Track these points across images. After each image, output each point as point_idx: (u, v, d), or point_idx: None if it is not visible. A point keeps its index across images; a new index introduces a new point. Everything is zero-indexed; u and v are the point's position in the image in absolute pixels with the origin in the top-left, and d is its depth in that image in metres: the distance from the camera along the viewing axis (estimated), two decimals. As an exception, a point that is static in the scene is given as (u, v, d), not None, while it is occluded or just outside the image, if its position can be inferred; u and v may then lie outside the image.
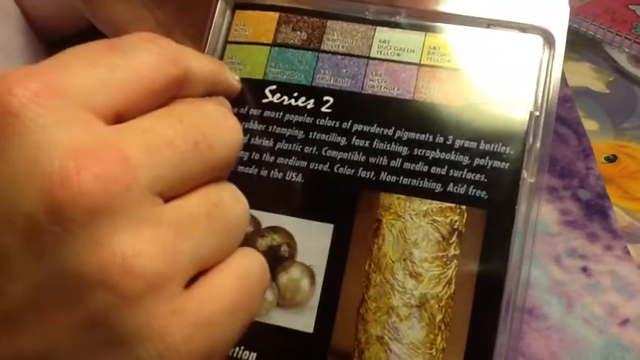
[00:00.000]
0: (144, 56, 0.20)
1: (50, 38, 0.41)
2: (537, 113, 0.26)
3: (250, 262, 0.21)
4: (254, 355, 0.26)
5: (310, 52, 0.28)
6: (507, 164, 0.25)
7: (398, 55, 0.28)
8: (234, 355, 0.26)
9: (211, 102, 0.22)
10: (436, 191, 0.26)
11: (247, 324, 0.21)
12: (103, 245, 0.17)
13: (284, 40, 0.29)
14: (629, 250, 0.35)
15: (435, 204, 0.26)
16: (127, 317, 0.18)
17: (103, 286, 0.17)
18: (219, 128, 0.21)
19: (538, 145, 0.26)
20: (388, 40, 0.28)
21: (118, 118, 0.19)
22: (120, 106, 0.19)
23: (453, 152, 0.26)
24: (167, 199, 0.19)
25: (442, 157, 0.26)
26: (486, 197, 0.25)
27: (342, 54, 0.28)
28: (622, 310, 0.32)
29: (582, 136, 0.42)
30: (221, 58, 0.29)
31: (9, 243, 0.17)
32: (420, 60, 0.27)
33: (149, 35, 0.21)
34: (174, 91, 0.22)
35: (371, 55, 0.28)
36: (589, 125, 0.43)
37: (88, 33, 0.39)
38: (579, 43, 0.50)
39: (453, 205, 0.26)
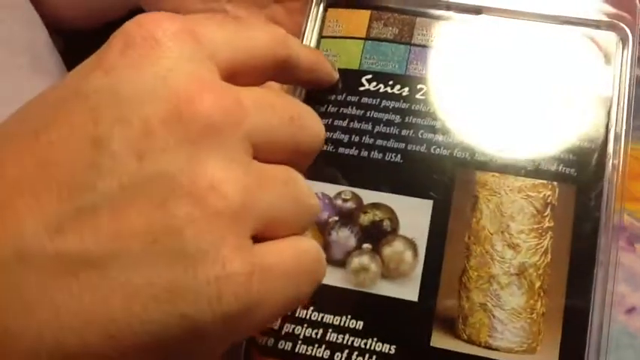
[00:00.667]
0: (260, 32, 0.23)
1: (67, 31, 0.41)
2: (613, 101, 0.28)
3: (309, 246, 0.22)
4: (361, 323, 0.27)
5: (403, 45, 0.30)
6: (593, 144, 0.28)
7: (485, 48, 0.30)
8: (342, 324, 0.27)
9: (303, 103, 0.24)
10: (529, 169, 0.28)
11: (294, 301, 0.22)
12: (201, 163, 0.19)
13: (377, 35, 0.31)
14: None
15: (529, 181, 0.28)
16: (200, 233, 0.18)
17: (189, 197, 0.18)
18: (312, 118, 0.23)
19: (621, 128, 0.28)
20: (474, 35, 0.30)
21: (231, 76, 0.21)
22: (235, 68, 0.21)
23: (547, 134, 0.28)
24: (255, 156, 0.21)
25: (535, 140, 0.28)
26: (576, 174, 0.27)
27: (432, 47, 0.30)
28: (629, 299, 0.32)
29: None
30: (316, 50, 0.31)
31: (116, 139, 0.18)
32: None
33: (262, 22, 0.24)
34: (277, 71, 0.24)
35: (459, 48, 0.30)
36: None
37: (101, 31, 0.40)
38: None
39: (545, 181, 0.28)
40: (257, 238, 0.20)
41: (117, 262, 0.18)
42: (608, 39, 0.29)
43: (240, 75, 0.22)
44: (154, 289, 0.18)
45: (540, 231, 0.27)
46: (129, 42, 0.20)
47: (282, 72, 0.24)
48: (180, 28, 0.20)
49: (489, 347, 0.26)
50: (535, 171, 0.28)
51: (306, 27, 0.31)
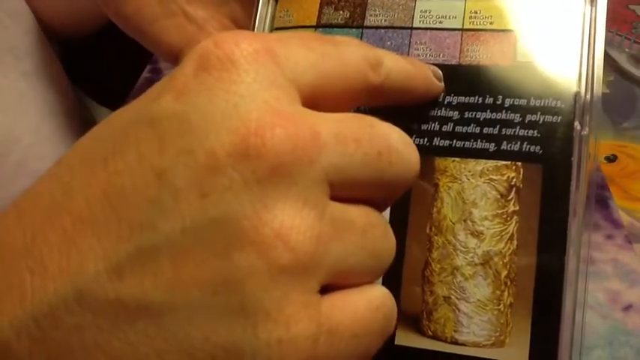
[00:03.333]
0: (351, 53, 0.21)
1: (61, 38, 0.41)
2: (585, 64, 0.25)
3: (385, 300, 0.20)
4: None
5: (354, 30, 0.29)
6: (559, 117, 0.25)
7: (440, 22, 0.28)
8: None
9: (399, 130, 0.21)
10: (490, 151, 0.26)
11: None
12: (269, 207, 0.17)
13: (328, 21, 0.29)
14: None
15: (490, 163, 0.26)
16: (263, 288, 0.17)
17: (253, 247, 0.17)
18: (403, 150, 0.20)
19: (589, 96, 0.25)
20: (429, 9, 0.28)
21: (313, 104, 0.19)
22: (318, 93, 0.20)
23: (504, 111, 0.26)
24: (332, 197, 0.19)
25: (493, 117, 0.26)
26: (541, 152, 0.25)
27: (385, 27, 0.28)
28: (625, 296, 0.33)
29: None
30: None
31: (179, 172, 0.17)
32: (463, 25, 0.27)
33: (355, 40, 0.22)
34: (365, 99, 0.22)
35: (414, 26, 0.28)
36: None
37: (101, 34, 0.39)
38: None
39: (509, 162, 0.26)
40: (324, 287, 0.18)
41: (175, 312, 0.17)
42: (575, -2, 0.27)
43: (324, 101, 0.20)
44: (210, 346, 0.17)
45: (505, 216, 0.25)
46: (203, 63, 0.18)
47: (372, 98, 0.22)
48: (259, 49, 0.19)
49: (455, 342, 0.25)
50: (497, 152, 0.26)
51: (255, 19, 0.30)
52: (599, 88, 0.26)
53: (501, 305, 0.25)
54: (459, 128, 0.26)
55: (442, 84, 0.26)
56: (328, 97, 0.20)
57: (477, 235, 0.26)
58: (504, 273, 0.25)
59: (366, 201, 0.20)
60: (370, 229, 0.19)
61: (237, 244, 0.17)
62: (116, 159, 0.18)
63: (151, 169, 0.17)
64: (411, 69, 0.24)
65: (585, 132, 0.25)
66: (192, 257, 0.17)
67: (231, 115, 0.17)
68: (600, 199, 0.38)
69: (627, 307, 0.32)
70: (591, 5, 0.26)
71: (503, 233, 0.25)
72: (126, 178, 0.17)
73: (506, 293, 0.25)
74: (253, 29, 0.30)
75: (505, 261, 0.25)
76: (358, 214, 0.19)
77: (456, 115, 0.27)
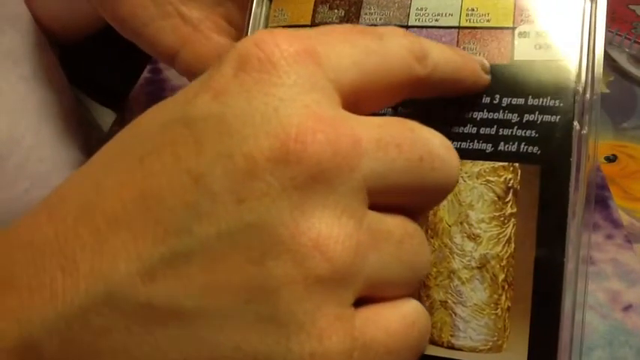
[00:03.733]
0: (395, 47, 0.20)
1: (60, 41, 0.41)
2: (585, 62, 0.25)
3: (419, 315, 0.19)
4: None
5: (349, 28, 0.28)
6: (558, 117, 0.25)
7: (436, 20, 0.27)
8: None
9: (440, 134, 0.20)
10: (487, 151, 0.25)
11: None
12: (307, 215, 0.17)
13: (322, 19, 0.29)
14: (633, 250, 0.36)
15: (488, 164, 0.25)
16: (297, 299, 0.16)
17: (289, 255, 0.16)
18: (444, 155, 0.19)
19: (588, 95, 0.25)
20: (425, 7, 0.27)
21: (354, 101, 0.19)
22: (360, 90, 0.19)
23: (501, 111, 0.25)
24: (370, 204, 0.18)
25: (490, 117, 0.25)
26: (539, 153, 0.25)
27: (380, 25, 0.28)
28: (625, 296, 0.33)
29: None
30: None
31: (217, 177, 0.17)
32: (459, 23, 0.27)
33: (400, 30, 0.21)
34: (410, 91, 0.21)
35: (409, 24, 0.28)
36: None
37: (101, 37, 0.39)
38: None
39: (506, 163, 0.25)
40: (358, 299, 0.18)
41: (206, 318, 0.17)
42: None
43: (367, 99, 0.20)
44: (241, 355, 0.17)
45: (502, 219, 0.25)
46: (243, 63, 0.18)
47: (418, 90, 0.21)
48: (300, 50, 0.18)
49: (452, 347, 0.25)
50: (494, 153, 0.25)
51: (249, 18, 0.30)
52: (598, 87, 0.25)
53: (499, 309, 0.25)
54: (455, 129, 0.26)
55: (489, 76, 0.25)
56: (371, 93, 0.19)
57: (473, 238, 0.25)
58: (502, 276, 0.25)
59: (404, 208, 0.19)
60: (407, 240, 0.19)
61: (273, 252, 0.16)
62: (152, 159, 0.18)
63: (188, 172, 0.17)
64: (458, 60, 0.23)
65: (585, 132, 0.25)
66: (227, 263, 0.17)
67: (270, 119, 0.17)
68: (600, 199, 0.38)
69: (627, 307, 0.32)
70: (591, 3, 0.26)
71: (500, 236, 0.25)
72: (162, 180, 0.17)
73: (503, 297, 0.25)
74: (247, 28, 0.30)
75: (502, 264, 0.25)
76: (395, 224, 0.19)
77: (452, 114, 0.26)
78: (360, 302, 0.18)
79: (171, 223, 0.17)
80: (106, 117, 0.45)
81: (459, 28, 0.27)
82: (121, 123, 0.44)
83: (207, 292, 0.17)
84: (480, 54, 0.26)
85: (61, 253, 0.18)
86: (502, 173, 0.25)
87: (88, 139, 0.40)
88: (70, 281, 0.17)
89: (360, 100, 0.19)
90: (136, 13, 0.32)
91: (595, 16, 0.25)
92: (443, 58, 0.22)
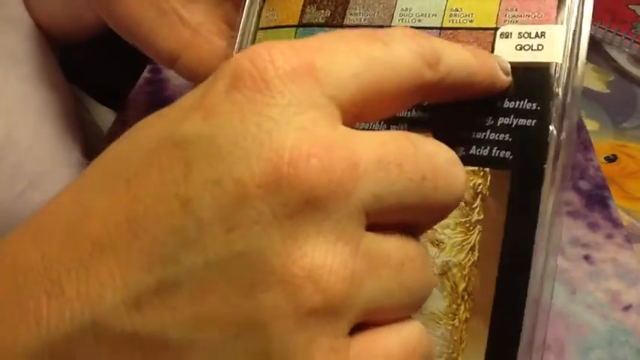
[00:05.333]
0: (403, 52, 0.19)
1: (60, 44, 0.42)
2: (563, 64, 0.23)
3: (420, 338, 0.18)
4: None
5: (333, 29, 0.28)
6: (534, 121, 0.23)
7: (419, 20, 0.26)
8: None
9: (446, 147, 0.19)
10: (459, 155, 0.24)
11: None
12: (299, 243, 0.16)
13: (309, 20, 0.29)
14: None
15: (457, 168, 0.24)
16: (289, 332, 0.16)
17: (281, 287, 0.16)
18: (449, 172, 0.19)
19: (569, 98, 0.23)
20: (410, 7, 0.27)
21: (358, 113, 0.18)
22: (363, 103, 0.18)
23: (476, 114, 0.24)
24: (368, 225, 0.17)
25: (464, 120, 0.24)
26: (511, 157, 0.23)
27: (364, 26, 0.27)
28: (624, 296, 0.33)
29: (581, 128, 0.42)
30: (252, 44, 0.30)
31: (205, 203, 0.16)
32: (442, 23, 0.26)
33: (411, 31, 0.20)
34: (421, 97, 0.20)
35: (392, 25, 0.27)
36: (589, 125, 0.43)
37: (101, 37, 0.40)
38: None
39: (476, 168, 0.24)
40: (357, 325, 0.17)
41: (194, 351, 0.16)
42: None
43: (372, 109, 0.19)
44: None
45: (468, 225, 0.24)
46: (235, 81, 0.17)
47: (430, 96, 0.20)
48: (297, 66, 0.17)
49: (405, 358, 0.23)
50: (465, 157, 0.24)
51: (241, 19, 0.30)
52: (579, 90, 0.23)
53: (456, 320, 0.23)
54: (428, 131, 0.25)
55: (509, 77, 0.24)
56: (376, 103, 0.19)
57: (437, 244, 0.24)
58: (462, 286, 0.23)
59: (406, 225, 0.18)
60: (407, 263, 0.18)
61: (263, 283, 0.16)
62: (139, 181, 0.17)
63: (176, 197, 0.16)
64: (473, 62, 0.21)
65: (562, 137, 0.23)
66: (215, 294, 0.16)
67: (263, 142, 0.16)
68: (600, 198, 0.38)
69: (627, 307, 0.33)
70: (578, 5, 0.24)
71: (464, 243, 0.24)
72: (149, 205, 0.17)
73: (462, 307, 0.23)
74: (238, 29, 0.30)
75: (464, 273, 0.23)
76: (395, 246, 0.18)
77: (427, 116, 0.25)
78: (359, 326, 0.17)
79: (157, 250, 0.16)
80: (106, 117, 0.46)
81: (440, 28, 0.26)
82: (121, 123, 0.44)
83: (196, 324, 0.16)
84: (458, 55, 0.25)
85: (46, 276, 0.17)
86: (471, 178, 0.24)
87: (87, 140, 0.41)
88: (55, 306, 0.17)
89: (365, 111, 0.18)
90: (136, 17, 0.32)
91: (581, 19, 0.24)
92: (457, 60, 0.20)
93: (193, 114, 0.17)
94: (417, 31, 0.20)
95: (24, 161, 0.36)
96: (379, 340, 0.17)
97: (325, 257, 0.16)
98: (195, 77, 0.33)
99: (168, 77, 0.47)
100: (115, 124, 0.44)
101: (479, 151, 0.24)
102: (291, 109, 0.17)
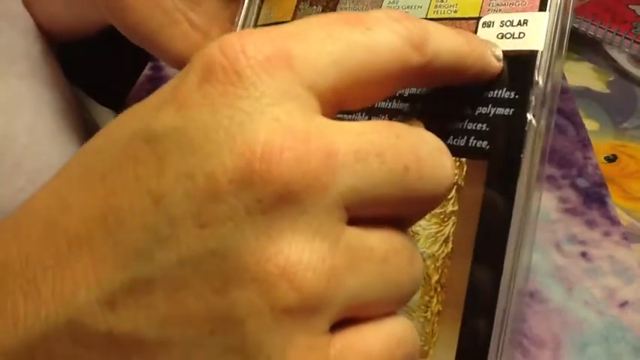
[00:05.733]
0: (387, 36, 0.18)
1: (60, 43, 0.42)
2: (544, 52, 0.22)
3: (406, 334, 0.18)
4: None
5: (323, 22, 0.28)
6: (512, 110, 0.23)
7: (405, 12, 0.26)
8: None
9: (432, 136, 0.19)
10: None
11: None
12: (273, 240, 0.16)
13: (302, 16, 0.29)
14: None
15: (434, 158, 0.23)
16: (263, 331, 0.16)
17: (254, 285, 0.15)
18: (435, 161, 0.18)
19: (549, 86, 0.22)
20: (396, 0, 0.27)
21: (338, 101, 0.18)
22: (344, 90, 0.18)
23: (454, 103, 0.24)
24: (350, 218, 0.17)
25: (442, 110, 0.24)
26: (487, 147, 0.23)
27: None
28: (621, 293, 0.33)
29: (580, 126, 0.43)
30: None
31: (177, 199, 0.16)
32: (427, 14, 0.26)
33: (396, 13, 0.19)
34: (406, 82, 0.20)
35: (379, 17, 0.27)
36: (589, 125, 0.43)
37: (101, 34, 0.40)
38: (579, 43, 0.50)
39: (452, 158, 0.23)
40: (339, 320, 0.17)
41: (169, 349, 0.16)
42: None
43: (354, 96, 0.18)
44: None
45: (443, 216, 0.23)
46: (207, 72, 0.17)
47: (415, 81, 0.20)
48: (270, 54, 0.17)
49: (376, 350, 0.23)
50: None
51: (239, 17, 0.30)
52: (559, 78, 0.23)
53: (429, 312, 0.23)
54: (406, 121, 0.24)
55: (501, 64, 0.23)
56: (358, 90, 0.18)
57: (411, 235, 0.23)
58: (435, 278, 0.23)
59: (392, 218, 0.18)
60: (392, 256, 0.17)
61: (236, 281, 0.16)
62: (114, 177, 0.17)
63: (148, 192, 0.16)
64: (464, 45, 0.20)
65: (541, 125, 0.22)
66: (189, 291, 0.16)
67: (235, 136, 0.16)
68: (598, 196, 0.39)
69: (623, 304, 0.33)
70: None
71: (438, 235, 0.23)
72: (123, 200, 0.16)
73: (435, 300, 0.23)
74: (237, 26, 0.30)
75: (437, 264, 0.23)
76: (379, 239, 0.17)
77: (406, 107, 0.25)
78: (342, 323, 0.17)
79: (131, 247, 0.16)
80: (106, 117, 0.46)
81: (425, 19, 0.26)
82: None
83: (170, 322, 0.16)
84: (440, 45, 0.25)
85: (23, 275, 0.17)
86: (448, 168, 0.23)
87: (86, 138, 0.42)
88: (31, 306, 0.17)
89: (347, 99, 0.18)
90: (145, 21, 0.33)
91: (564, 6, 0.23)
92: (445, 43, 0.19)
93: (166, 107, 0.17)
94: (402, 12, 0.19)
95: (23, 157, 0.36)
96: (361, 337, 0.17)
97: (301, 253, 0.16)
98: None
99: (169, 75, 0.47)
100: None
101: (456, 142, 0.23)
102: (264, 100, 0.16)
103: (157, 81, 0.47)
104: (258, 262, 0.15)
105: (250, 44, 0.17)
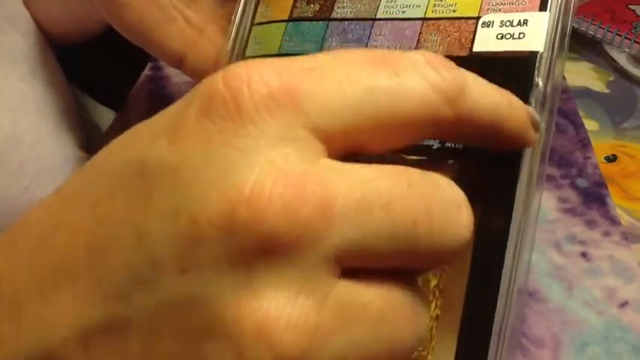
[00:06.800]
0: (417, 82, 0.17)
1: (59, 44, 0.42)
2: (544, 53, 0.22)
3: None
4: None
5: (320, 23, 0.28)
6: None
7: (403, 12, 0.26)
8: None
9: (451, 185, 0.17)
10: (434, 148, 0.23)
11: None
12: (254, 293, 0.15)
13: (299, 15, 0.29)
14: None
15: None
16: None
17: (229, 342, 0.15)
18: (449, 216, 0.16)
19: (549, 88, 0.22)
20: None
21: (352, 145, 0.17)
22: (357, 137, 0.16)
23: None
24: (345, 269, 0.16)
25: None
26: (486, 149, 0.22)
27: (349, 19, 0.27)
28: (621, 292, 0.34)
29: (580, 126, 0.43)
30: (247, 40, 0.30)
31: (161, 240, 0.15)
32: (425, 14, 0.25)
33: (435, 59, 0.17)
34: (436, 133, 0.18)
35: (377, 17, 0.27)
36: (589, 125, 0.43)
37: (99, 39, 0.40)
38: (579, 43, 0.50)
39: (451, 161, 0.23)
40: None
41: None
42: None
43: (366, 144, 0.17)
44: None
45: (442, 219, 0.23)
46: (208, 105, 0.16)
47: (443, 134, 0.18)
48: (275, 89, 0.16)
49: (374, 355, 0.23)
50: (441, 149, 0.23)
51: (236, 15, 0.30)
52: (559, 79, 0.22)
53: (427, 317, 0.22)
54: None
55: (538, 136, 0.20)
56: (379, 136, 0.17)
57: (418, 284, 0.23)
58: (434, 282, 0.23)
59: (394, 270, 0.16)
60: (389, 314, 0.16)
61: (211, 334, 0.15)
62: (104, 205, 0.16)
63: (134, 227, 0.16)
64: (502, 107, 0.18)
65: (541, 127, 0.22)
66: (163, 339, 0.15)
67: (226, 176, 0.15)
68: (598, 196, 0.39)
69: (623, 304, 0.33)
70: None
71: (437, 238, 0.23)
72: (109, 233, 0.16)
73: (433, 304, 0.22)
74: (232, 25, 0.30)
75: (435, 270, 0.22)
76: (375, 293, 0.16)
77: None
78: None
79: (111, 287, 0.16)
80: (105, 116, 0.46)
81: (423, 19, 0.26)
82: (121, 120, 0.45)
83: None
84: (440, 45, 0.25)
85: (11, 299, 0.17)
86: (445, 172, 0.23)
87: (86, 138, 0.42)
88: (13, 333, 0.17)
89: (363, 143, 0.17)
90: (142, 19, 0.33)
91: (565, 8, 0.23)
92: (483, 101, 0.18)
93: (162, 138, 0.16)
94: (441, 57, 0.17)
95: (27, 158, 0.37)
96: None
97: (282, 310, 0.14)
98: (202, 76, 0.34)
99: (169, 74, 0.47)
100: (116, 122, 0.45)
101: (453, 144, 0.23)
102: (262, 140, 0.15)
103: (156, 81, 0.47)
104: (235, 318, 0.14)
105: (257, 76, 0.16)
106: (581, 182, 0.39)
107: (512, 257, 0.21)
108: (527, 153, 0.22)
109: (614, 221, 0.37)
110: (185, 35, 0.34)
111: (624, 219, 0.38)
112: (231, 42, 0.31)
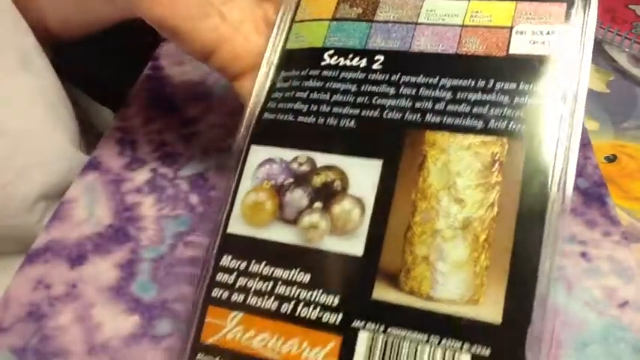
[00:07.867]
0: None
1: (62, 41, 0.42)
2: (578, 58, 0.27)
3: None
4: (308, 276, 0.27)
5: (364, 23, 0.31)
6: (545, 100, 0.27)
7: (443, 19, 0.31)
8: (290, 278, 0.27)
9: None
10: (477, 128, 0.27)
11: None
12: None
13: (342, 16, 0.32)
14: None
15: (478, 138, 0.27)
16: None
17: None
18: None
19: (575, 84, 0.27)
20: (434, 9, 0.31)
21: None
22: None
23: (494, 94, 0.28)
24: None
25: (484, 99, 0.28)
26: (524, 130, 0.27)
27: (392, 22, 0.31)
28: (621, 292, 0.33)
29: None
30: (287, 35, 0.33)
31: None
32: (464, 22, 0.30)
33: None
34: None
35: (418, 22, 0.31)
36: (589, 125, 0.44)
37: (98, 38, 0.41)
38: None
39: (495, 138, 0.27)
40: None
41: None
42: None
43: None
44: None
45: (487, 186, 0.27)
46: None
47: None
48: None
49: (431, 299, 0.26)
50: (484, 129, 0.27)
51: (277, 14, 0.33)
52: (586, 78, 0.27)
53: (477, 267, 0.26)
54: (450, 107, 0.28)
55: None
56: None
57: (459, 201, 0.27)
58: (483, 237, 0.26)
59: None
60: None
61: None
62: None
63: None
64: None
65: (569, 115, 0.27)
66: None
67: None
68: (597, 196, 0.40)
69: (623, 304, 0.33)
70: (584, 7, 0.28)
71: (484, 201, 0.27)
72: None
73: (483, 256, 0.26)
74: (274, 24, 0.33)
75: (484, 226, 0.26)
76: None
77: (449, 95, 0.29)
78: None
79: None
80: (103, 116, 0.46)
81: (462, 26, 0.30)
82: (121, 119, 0.45)
83: None
84: (480, 46, 0.29)
85: None
86: (490, 147, 0.27)
87: (79, 135, 0.42)
88: None
89: None
90: (176, 11, 0.33)
91: (587, 19, 0.28)
92: None
93: None
94: None
95: (13, 153, 0.36)
96: None
97: None
98: (228, 72, 0.35)
99: (169, 74, 0.47)
100: (116, 121, 0.45)
101: (497, 125, 0.27)
102: None
103: (157, 80, 0.47)
104: None
105: None
106: (581, 182, 0.40)
107: (552, 215, 0.25)
108: (561, 138, 0.27)
109: (614, 221, 0.37)
110: (219, 30, 0.34)
111: (624, 219, 0.38)
112: (272, 38, 0.34)
